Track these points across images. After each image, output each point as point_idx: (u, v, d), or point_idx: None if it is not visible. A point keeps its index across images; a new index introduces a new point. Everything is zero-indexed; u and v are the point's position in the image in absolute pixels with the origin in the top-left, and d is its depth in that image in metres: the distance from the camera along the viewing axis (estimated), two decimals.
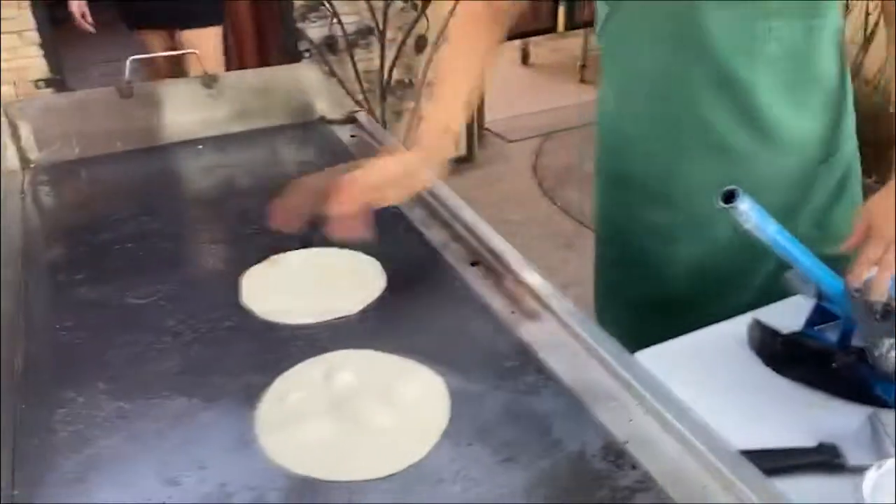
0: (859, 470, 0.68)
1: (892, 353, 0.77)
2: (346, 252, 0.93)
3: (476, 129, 3.51)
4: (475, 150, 3.53)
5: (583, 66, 4.63)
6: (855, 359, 0.81)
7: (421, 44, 3.18)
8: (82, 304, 0.85)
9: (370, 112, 2.80)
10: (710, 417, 0.65)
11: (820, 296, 0.87)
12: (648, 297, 1.12)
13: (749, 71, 0.92)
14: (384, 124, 3.11)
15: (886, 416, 0.75)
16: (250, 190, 1.12)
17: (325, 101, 1.34)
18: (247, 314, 0.83)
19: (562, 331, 0.78)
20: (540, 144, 3.78)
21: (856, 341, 0.84)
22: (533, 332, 0.78)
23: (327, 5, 2.94)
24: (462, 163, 3.40)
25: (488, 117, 3.71)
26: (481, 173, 3.43)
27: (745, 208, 0.74)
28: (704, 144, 0.98)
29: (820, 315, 0.88)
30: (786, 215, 0.88)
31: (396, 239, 0.96)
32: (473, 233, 0.95)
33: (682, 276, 1.07)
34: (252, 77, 1.31)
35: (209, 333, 0.80)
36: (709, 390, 0.80)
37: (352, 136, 1.28)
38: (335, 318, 0.82)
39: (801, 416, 0.78)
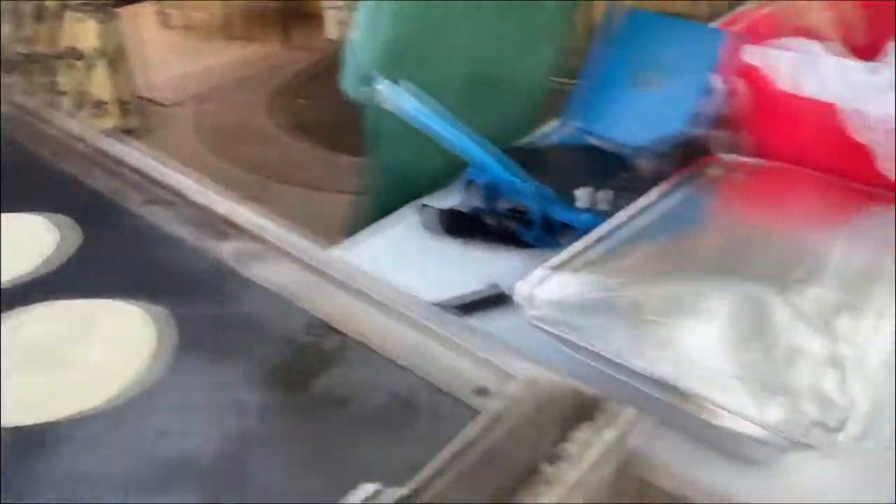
0: None
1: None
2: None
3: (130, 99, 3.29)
4: (133, 120, 3.31)
5: (230, 24, 4.53)
6: (503, 216, 0.97)
7: (42, 13, 2.87)
8: None
9: None
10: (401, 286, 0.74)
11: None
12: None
13: None
14: None
15: (535, 253, 0.92)
16: None
17: None
18: None
19: (253, 243, 0.82)
20: (198, 105, 3.67)
21: (502, 204, 1.00)
22: (227, 250, 0.81)
23: None
24: (122, 134, 3.17)
25: (138, 84, 3.49)
26: (144, 143, 3.24)
27: (382, 88, 0.83)
28: None
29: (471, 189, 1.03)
30: None
31: (56, 193, 0.91)
32: (146, 175, 0.93)
33: None
34: None
35: None
36: (394, 266, 0.89)
37: None
38: (6, 281, 0.76)
39: (476, 267, 0.92)
